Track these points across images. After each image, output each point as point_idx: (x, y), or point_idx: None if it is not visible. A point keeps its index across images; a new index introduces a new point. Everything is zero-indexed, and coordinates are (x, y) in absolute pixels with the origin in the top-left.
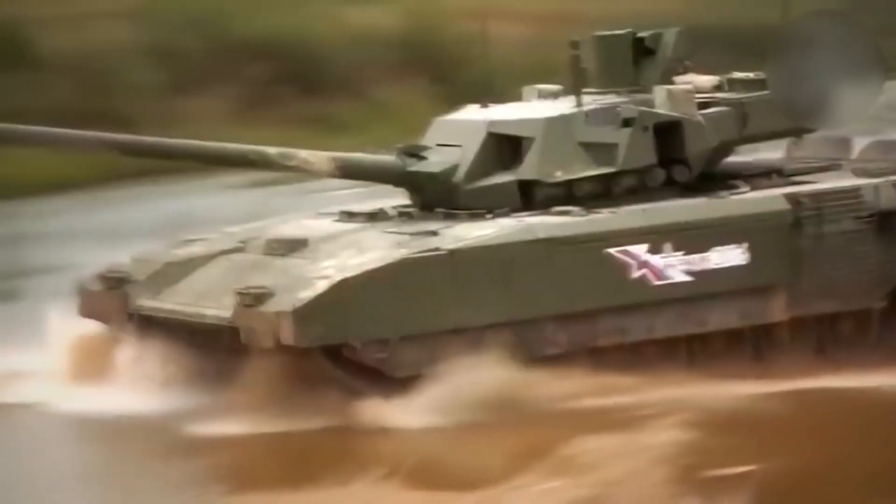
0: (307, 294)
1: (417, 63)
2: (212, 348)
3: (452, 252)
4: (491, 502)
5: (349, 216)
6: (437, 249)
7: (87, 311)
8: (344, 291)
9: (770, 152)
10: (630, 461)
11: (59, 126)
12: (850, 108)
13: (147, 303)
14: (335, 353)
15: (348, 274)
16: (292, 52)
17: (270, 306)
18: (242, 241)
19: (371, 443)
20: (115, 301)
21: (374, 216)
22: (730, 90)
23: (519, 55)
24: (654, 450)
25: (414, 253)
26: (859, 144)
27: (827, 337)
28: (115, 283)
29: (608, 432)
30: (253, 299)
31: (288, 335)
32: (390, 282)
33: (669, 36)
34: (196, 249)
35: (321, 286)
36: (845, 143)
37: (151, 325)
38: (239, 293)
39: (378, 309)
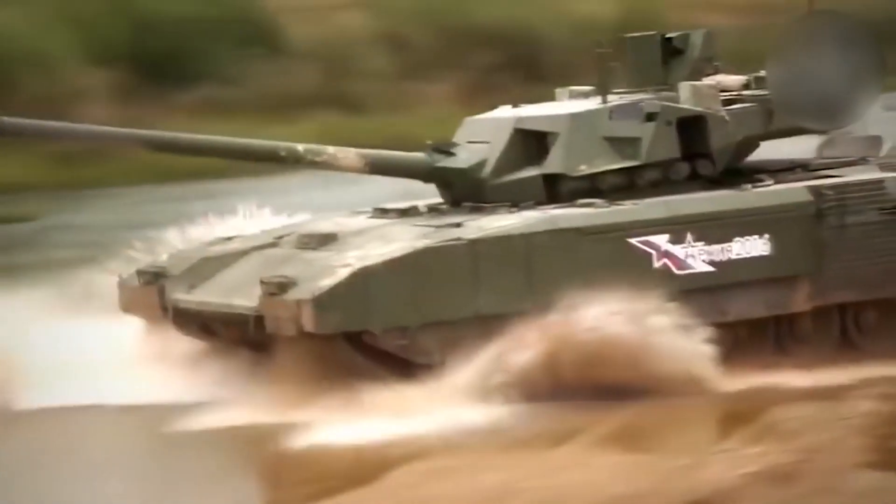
0: (328, 282)
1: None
2: (242, 339)
3: (474, 241)
4: (698, 464)
5: (382, 213)
6: (458, 239)
7: (126, 305)
8: (363, 279)
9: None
10: (829, 430)
11: (305, 108)
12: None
13: (181, 296)
14: (357, 341)
15: (368, 262)
16: (515, 40)
17: (292, 294)
18: (277, 238)
19: (577, 410)
20: (151, 295)
21: (406, 212)
22: (757, 88)
23: (731, 45)
24: (852, 420)
25: (435, 242)
26: (889, 142)
27: (850, 327)
28: (152, 277)
29: (808, 403)
30: (277, 288)
31: (308, 322)
32: (410, 270)
33: (697, 36)
34: (231, 246)
35: (341, 274)
36: (876, 142)
37: (185, 317)
38: (263, 283)
39: (398, 297)
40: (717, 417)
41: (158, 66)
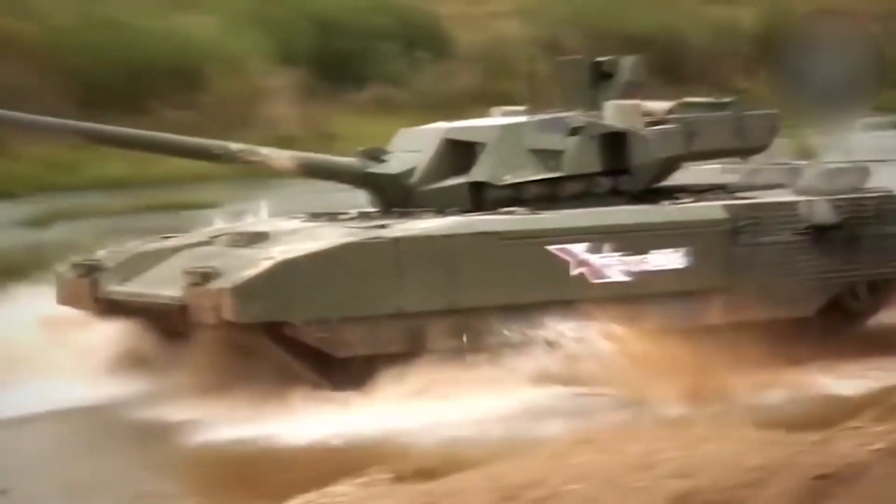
0: (249, 272)
1: (771, 57)
2: (170, 330)
3: (396, 239)
4: (828, 440)
5: (314, 216)
6: (380, 237)
7: (62, 297)
8: (285, 271)
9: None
10: None
11: (466, 107)
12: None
13: (113, 288)
14: (276, 333)
15: (290, 255)
16: (659, 44)
17: (215, 284)
18: (212, 237)
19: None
20: (84, 287)
21: (336, 216)
22: (682, 113)
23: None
24: None
25: (358, 238)
26: (808, 172)
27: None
28: (87, 270)
29: None
30: (200, 278)
31: (227, 311)
32: (332, 264)
33: (626, 62)
34: (166, 243)
35: (263, 265)
36: (796, 172)
37: (116, 309)
38: (187, 273)
39: (320, 290)
40: (839, 399)
41: (335, 67)
